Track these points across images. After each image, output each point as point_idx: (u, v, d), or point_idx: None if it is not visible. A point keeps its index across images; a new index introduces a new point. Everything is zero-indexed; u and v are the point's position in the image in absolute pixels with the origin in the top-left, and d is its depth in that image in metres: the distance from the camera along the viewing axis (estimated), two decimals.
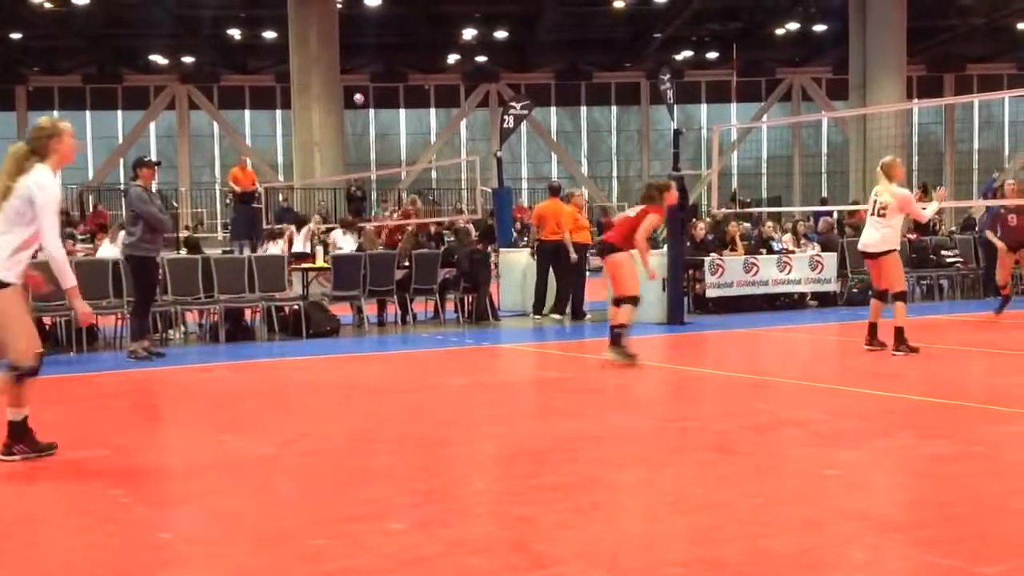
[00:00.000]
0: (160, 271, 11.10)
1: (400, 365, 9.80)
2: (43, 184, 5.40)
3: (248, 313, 12.94)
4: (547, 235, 13.80)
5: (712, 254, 14.80)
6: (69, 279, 5.59)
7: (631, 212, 9.72)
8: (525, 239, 19.95)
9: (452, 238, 17.37)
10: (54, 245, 5.47)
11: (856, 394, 7.47)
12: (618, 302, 9.27)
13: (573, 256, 13.65)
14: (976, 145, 41.78)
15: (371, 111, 40.31)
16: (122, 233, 11.52)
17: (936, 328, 10.09)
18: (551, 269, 13.90)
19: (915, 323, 11.34)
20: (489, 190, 20.35)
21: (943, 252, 17.07)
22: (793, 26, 34.77)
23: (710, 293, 14.39)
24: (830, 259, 15.27)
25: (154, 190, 10.82)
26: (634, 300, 9.25)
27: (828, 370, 9.32)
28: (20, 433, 5.47)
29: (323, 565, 3.72)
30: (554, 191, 14.41)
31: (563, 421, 6.63)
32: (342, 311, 13.38)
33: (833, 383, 8.10)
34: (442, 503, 4.58)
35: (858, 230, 17.93)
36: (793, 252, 15.81)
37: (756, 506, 4.36)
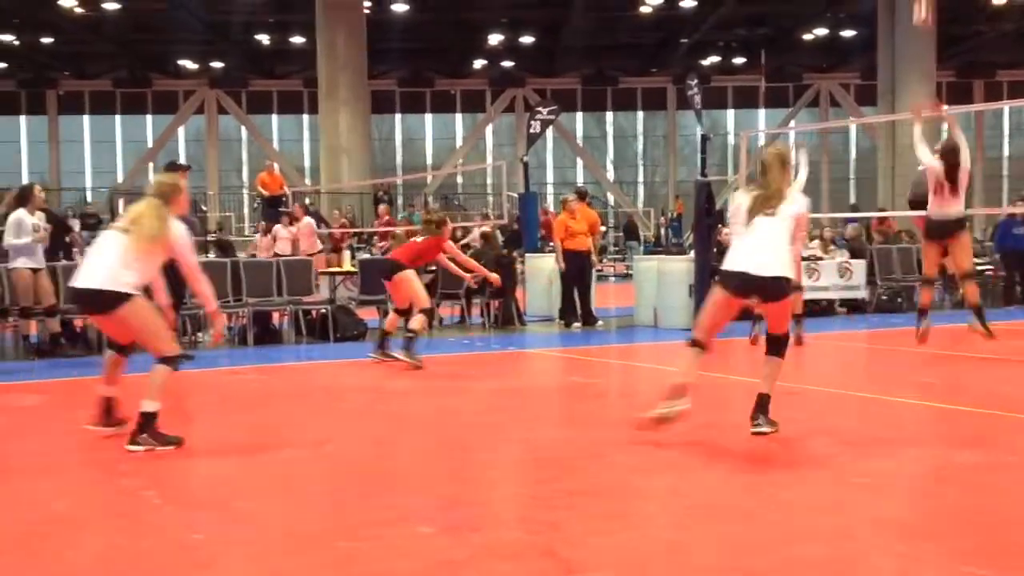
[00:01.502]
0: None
1: (427, 369, 9.81)
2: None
3: (276, 316, 13.02)
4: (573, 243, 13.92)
5: None
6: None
7: (418, 239, 10.27)
8: (550, 244, 19.93)
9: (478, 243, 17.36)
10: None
11: (886, 402, 7.42)
12: (400, 312, 10.07)
13: (560, 265, 13.69)
14: (1006, 152, 41.45)
15: (397, 115, 40.45)
16: None
17: (967, 336, 10.00)
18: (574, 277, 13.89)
19: (944, 331, 11.27)
20: (515, 195, 20.36)
21: (974, 260, 16.92)
22: (821, 32, 34.61)
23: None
24: (859, 266, 15.18)
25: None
26: (430, 312, 10.16)
27: (858, 378, 9.27)
28: (149, 424, 5.92)
29: (354, 568, 3.74)
30: (581, 196, 14.42)
31: (590, 426, 6.62)
32: (368, 315, 13.42)
33: (863, 391, 8.05)
34: (470, 507, 4.58)
35: (887, 237, 17.85)
36: (821, 259, 15.72)
37: (787, 514, 4.35)
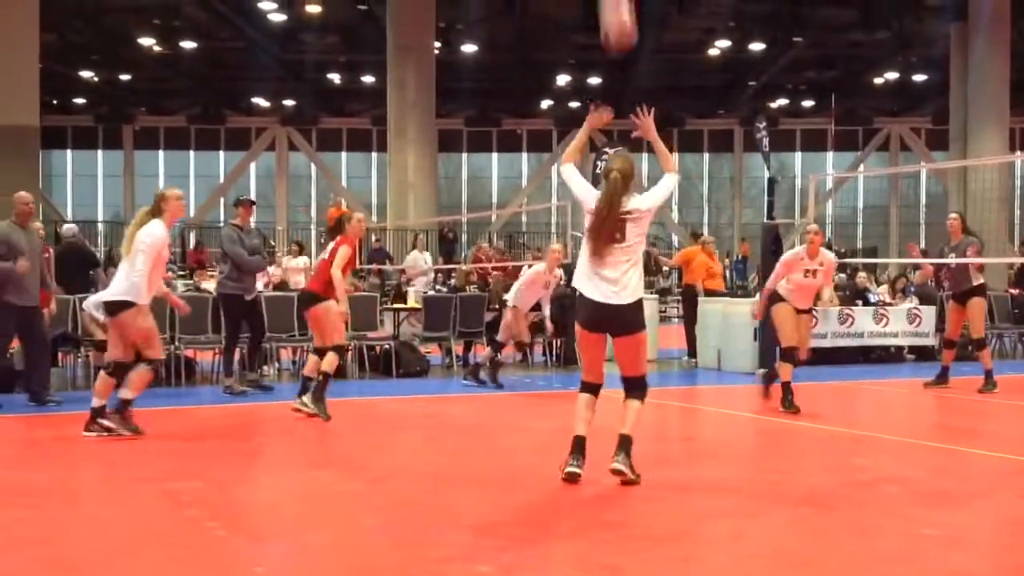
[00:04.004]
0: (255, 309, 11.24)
1: (488, 407, 9.80)
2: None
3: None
4: (691, 280, 14.49)
5: None
6: None
7: (325, 254, 9.00)
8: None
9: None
10: None
11: (956, 452, 7.25)
12: (320, 352, 8.70)
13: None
14: None
15: (464, 154, 40.78)
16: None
17: None
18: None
19: (1012, 381, 11.02)
20: (579, 235, 20.35)
21: None
22: (892, 75, 34.27)
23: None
24: (928, 312, 14.90)
25: (252, 227, 11.05)
26: (341, 349, 8.81)
27: (927, 427, 9.07)
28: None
29: None
30: (696, 237, 15.35)
31: (652, 469, 6.54)
32: (432, 352, 13.48)
33: (932, 440, 7.88)
34: (529, 548, 4.55)
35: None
36: (890, 304, 15.47)
37: (853, 564, 4.25)
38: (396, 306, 14.56)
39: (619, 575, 4.08)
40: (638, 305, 5.77)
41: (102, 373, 7.48)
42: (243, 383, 10.59)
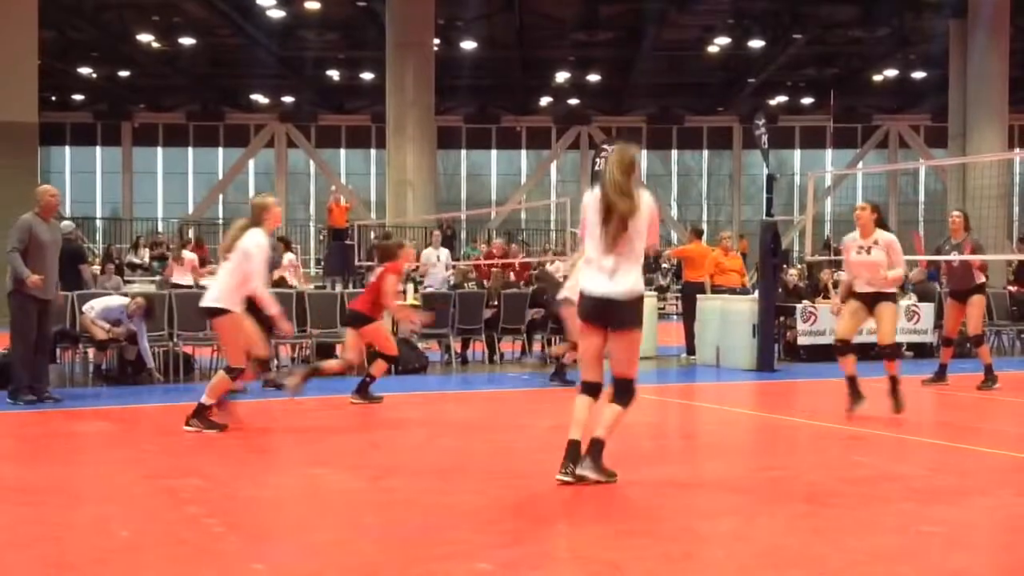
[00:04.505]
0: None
1: (487, 404, 9.81)
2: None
3: (339, 348, 13.09)
4: (691, 276, 14.54)
5: (804, 301, 14.57)
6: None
7: (372, 277, 9.75)
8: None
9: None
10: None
11: (955, 449, 7.26)
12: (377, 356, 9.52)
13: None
14: None
15: (463, 151, 40.79)
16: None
17: None
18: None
19: (1011, 378, 11.02)
20: (578, 232, 20.36)
21: None
22: (891, 73, 34.29)
23: (802, 341, 14.14)
24: (927, 309, 14.91)
25: None
26: (392, 359, 9.59)
27: (925, 423, 9.07)
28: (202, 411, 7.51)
29: None
30: (697, 233, 15.39)
31: (651, 466, 6.55)
32: (431, 348, 13.47)
33: (930, 437, 7.89)
34: (530, 545, 4.55)
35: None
36: None
37: (852, 562, 4.25)
38: (396, 303, 14.55)
39: (619, 572, 4.08)
40: (636, 301, 5.64)
41: (221, 372, 7.71)
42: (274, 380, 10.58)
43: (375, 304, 9.34)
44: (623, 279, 5.60)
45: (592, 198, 5.76)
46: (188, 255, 16.40)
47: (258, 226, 7.46)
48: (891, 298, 8.65)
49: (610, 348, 5.79)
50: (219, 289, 7.46)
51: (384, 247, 10.31)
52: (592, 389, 5.88)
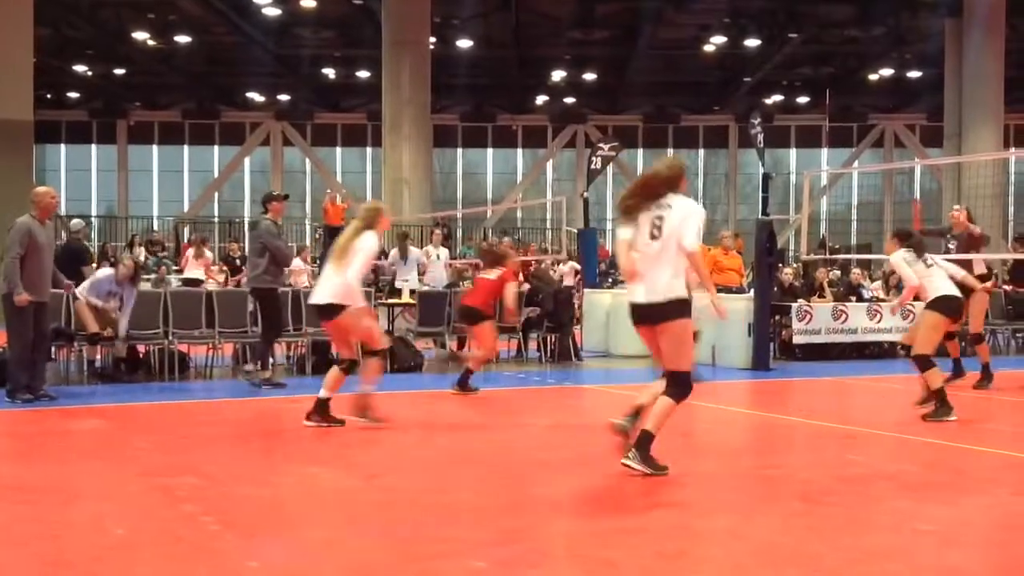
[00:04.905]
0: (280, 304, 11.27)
1: (482, 403, 9.80)
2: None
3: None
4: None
5: (800, 300, 14.58)
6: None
7: (490, 275, 10.28)
8: (609, 279, 19.94)
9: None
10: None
11: (949, 448, 7.27)
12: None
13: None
14: None
15: (459, 150, 40.79)
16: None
17: None
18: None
19: (1007, 377, 11.03)
20: (574, 230, 20.39)
21: None
22: (887, 72, 34.33)
23: (797, 339, 14.16)
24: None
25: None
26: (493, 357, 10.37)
27: (919, 422, 9.08)
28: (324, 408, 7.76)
29: None
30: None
31: None
32: (426, 347, 13.47)
33: (925, 436, 7.90)
34: (525, 543, 4.56)
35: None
36: (884, 300, 15.49)
37: (847, 560, 4.26)
38: (391, 301, 14.57)
39: (614, 570, 4.09)
40: (671, 301, 5.77)
41: (335, 368, 7.88)
42: (255, 377, 10.57)
43: (488, 303, 10.07)
44: (653, 282, 5.85)
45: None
46: (208, 253, 16.98)
47: (371, 229, 7.71)
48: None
49: (660, 344, 5.92)
50: (334, 286, 7.64)
51: (491, 253, 10.99)
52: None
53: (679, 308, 5.80)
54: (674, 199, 5.88)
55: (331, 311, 7.69)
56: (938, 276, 8.78)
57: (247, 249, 11.03)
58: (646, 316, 5.84)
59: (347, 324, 7.71)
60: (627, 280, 6.02)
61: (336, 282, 7.63)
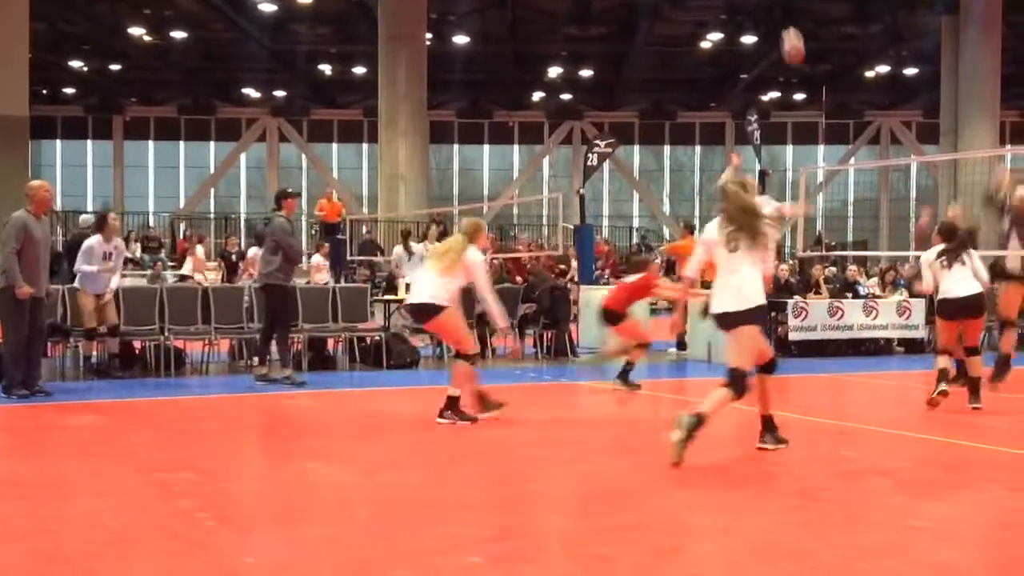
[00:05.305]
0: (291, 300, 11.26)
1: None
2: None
3: (331, 343, 13.11)
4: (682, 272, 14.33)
5: (796, 296, 14.60)
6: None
7: (631, 279, 10.75)
8: (604, 276, 19.97)
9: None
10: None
11: (944, 444, 7.29)
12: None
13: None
14: None
15: (455, 146, 40.79)
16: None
17: None
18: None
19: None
20: (571, 227, 20.40)
21: None
22: (883, 69, 34.33)
23: (793, 336, 14.19)
24: (918, 305, 14.95)
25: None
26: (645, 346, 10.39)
27: (915, 419, 9.10)
28: (454, 404, 7.90)
29: None
30: (689, 229, 15.55)
31: (642, 460, 6.57)
32: (422, 343, 13.45)
33: (920, 432, 7.92)
34: (521, 539, 4.56)
35: None
36: (880, 297, 15.53)
37: (842, 556, 4.27)
38: (387, 298, 14.57)
39: (610, 565, 4.09)
40: (745, 309, 6.34)
41: (460, 362, 8.04)
42: (274, 374, 10.55)
43: (625, 304, 10.42)
44: (734, 291, 6.46)
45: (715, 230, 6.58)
46: (200, 249, 17.13)
47: (473, 243, 8.10)
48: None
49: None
50: (434, 287, 7.96)
51: (638, 261, 11.93)
52: (762, 370, 6.74)
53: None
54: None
55: (429, 310, 7.98)
56: (948, 278, 8.92)
57: (263, 246, 10.95)
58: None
59: (444, 324, 8.06)
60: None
61: (437, 283, 7.97)
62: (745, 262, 6.35)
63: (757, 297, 6.37)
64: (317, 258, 18.25)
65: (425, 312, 8.07)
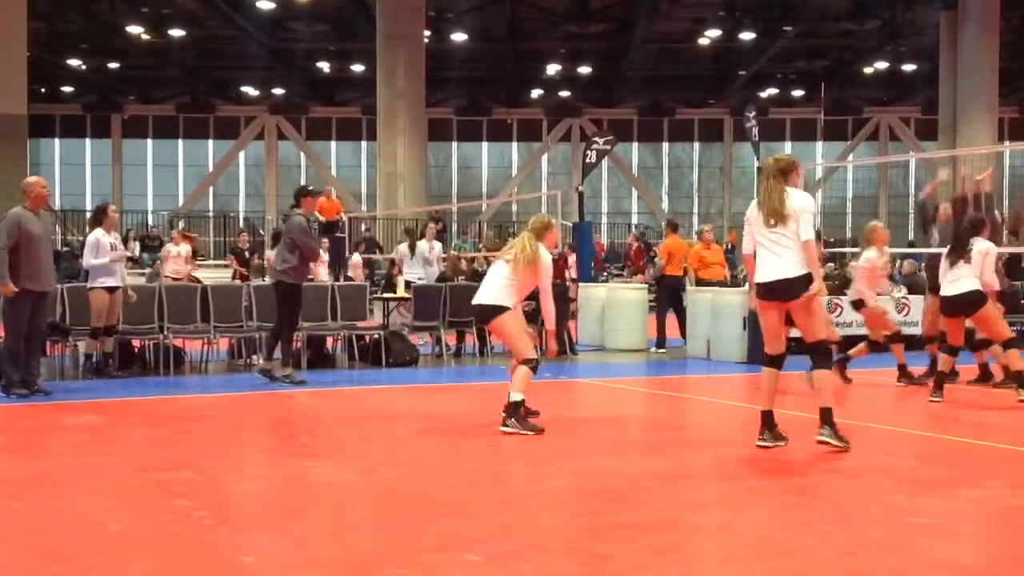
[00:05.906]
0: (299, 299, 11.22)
1: (478, 396, 9.82)
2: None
3: (330, 341, 13.11)
4: (672, 270, 14.43)
5: None
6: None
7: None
8: (604, 274, 19.97)
9: None
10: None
11: (943, 441, 7.29)
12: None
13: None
14: None
15: (454, 143, 40.79)
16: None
17: None
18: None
19: (1000, 372, 11.02)
20: (569, 224, 20.39)
21: None
22: (882, 65, 34.34)
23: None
24: (916, 302, 14.93)
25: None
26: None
27: (913, 415, 9.11)
28: (515, 411, 7.33)
29: None
30: (674, 227, 15.48)
31: (641, 458, 6.58)
32: (421, 341, 13.47)
33: (919, 429, 7.92)
34: (519, 537, 4.56)
35: None
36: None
37: (840, 553, 4.28)
38: (386, 296, 14.57)
39: (608, 563, 4.10)
40: (801, 277, 6.41)
41: (522, 367, 7.53)
42: (274, 372, 10.53)
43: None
44: (785, 261, 6.53)
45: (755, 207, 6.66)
46: (183, 246, 16.90)
47: (540, 241, 7.75)
48: None
49: (795, 321, 6.79)
50: (501, 290, 7.63)
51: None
52: (775, 362, 6.92)
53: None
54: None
55: (492, 312, 7.66)
56: (948, 277, 9.11)
57: (281, 242, 10.88)
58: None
59: (502, 327, 7.67)
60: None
61: (505, 285, 7.62)
62: (784, 237, 6.43)
63: (801, 267, 6.44)
64: (356, 257, 18.32)
65: (487, 313, 7.71)
